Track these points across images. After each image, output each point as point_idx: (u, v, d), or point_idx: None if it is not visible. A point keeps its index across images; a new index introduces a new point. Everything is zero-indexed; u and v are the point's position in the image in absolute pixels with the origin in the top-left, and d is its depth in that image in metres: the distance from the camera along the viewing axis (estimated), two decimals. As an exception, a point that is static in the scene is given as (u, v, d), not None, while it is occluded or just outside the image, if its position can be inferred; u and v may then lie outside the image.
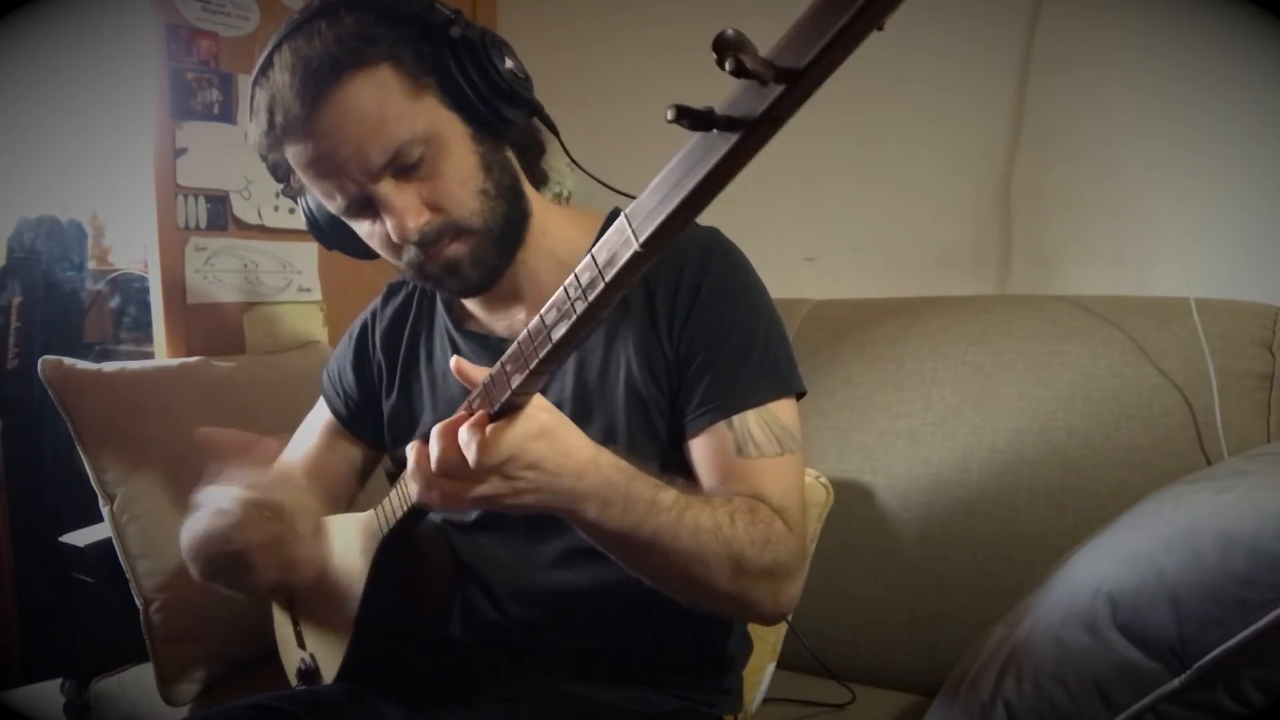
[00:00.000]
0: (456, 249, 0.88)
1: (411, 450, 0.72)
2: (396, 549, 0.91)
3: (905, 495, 1.32)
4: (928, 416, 1.34)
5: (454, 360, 0.70)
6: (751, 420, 0.89)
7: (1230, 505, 0.74)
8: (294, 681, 1.09)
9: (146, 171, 1.61)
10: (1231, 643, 0.66)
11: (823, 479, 1.30)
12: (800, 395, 0.94)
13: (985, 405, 1.31)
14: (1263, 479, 0.79)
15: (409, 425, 1.05)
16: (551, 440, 0.71)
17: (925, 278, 1.64)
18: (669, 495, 0.78)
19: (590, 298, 0.56)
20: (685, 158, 0.50)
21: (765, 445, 0.89)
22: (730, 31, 0.44)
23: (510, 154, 0.93)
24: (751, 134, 0.46)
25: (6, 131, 2.07)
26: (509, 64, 0.87)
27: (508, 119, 0.88)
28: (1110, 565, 0.79)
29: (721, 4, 1.80)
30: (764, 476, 0.87)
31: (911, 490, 1.32)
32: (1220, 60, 1.36)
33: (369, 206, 0.87)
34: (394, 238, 0.86)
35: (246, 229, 1.71)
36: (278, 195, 1.73)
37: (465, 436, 0.67)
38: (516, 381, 0.64)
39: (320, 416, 1.13)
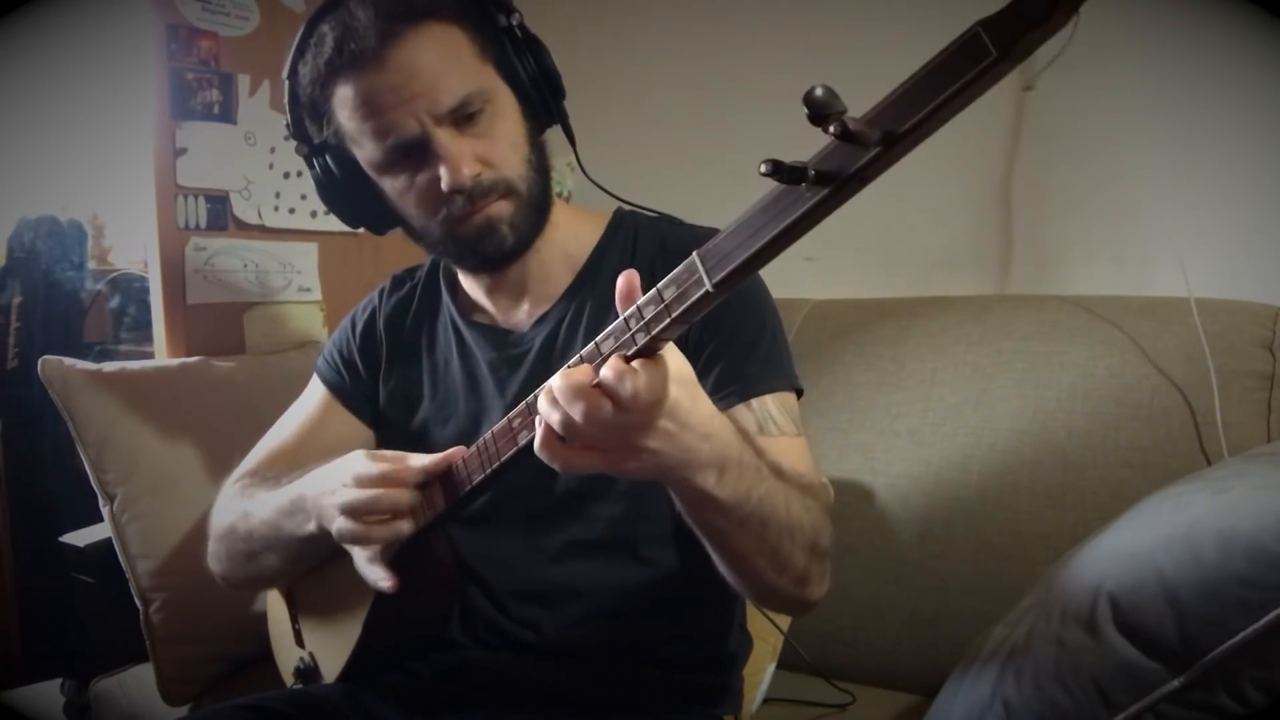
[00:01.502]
0: (500, 207, 0.90)
1: (544, 398, 0.64)
2: (410, 553, 0.91)
3: (905, 495, 1.32)
4: (928, 416, 1.34)
5: (627, 274, 0.62)
6: (769, 402, 0.90)
7: (1230, 505, 0.74)
8: (290, 680, 1.08)
9: (146, 171, 1.61)
10: (1231, 643, 0.66)
11: (823, 479, 1.30)
12: (799, 394, 0.95)
13: (985, 405, 1.31)
14: (1263, 479, 0.79)
15: (406, 412, 1.05)
16: (683, 386, 0.65)
17: (925, 278, 1.64)
18: (764, 461, 0.75)
19: (654, 331, 0.57)
20: (768, 207, 0.50)
21: (785, 425, 0.90)
22: (820, 90, 0.45)
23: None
24: (840, 191, 0.47)
25: (6, 131, 2.07)
26: (554, 64, 0.93)
27: (550, 110, 0.93)
28: (1110, 565, 0.79)
29: (720, 10, 1.81)
30: (790, 454, 0.86)
31: (911, 490, 1.32)
32: (1220, 60, 1.36)
33: (415, 154, 0.88)
34: (445, 184, 0.87)
35: (246, 229, 1.71)
36: (278, 195, 1.74)
37: (613, 376, 0.60)
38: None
39: (312, 398, 1.11)
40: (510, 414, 0.77)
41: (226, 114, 1.67)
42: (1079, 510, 1.20)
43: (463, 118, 0.87)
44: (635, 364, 0.60)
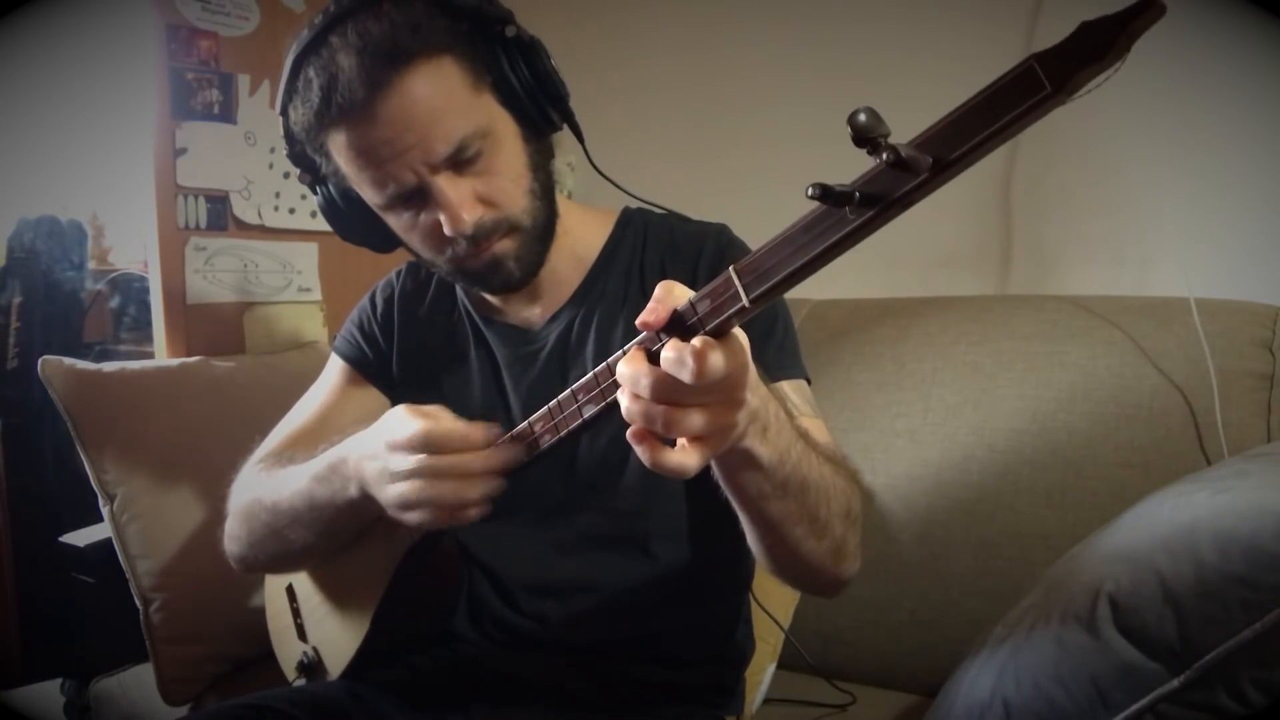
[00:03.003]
0: (504, 245, 0.89)
1: (626, 384, 0.60)
2: (421, 550, 0.91)
3: (905, 495, 1.32)
4: (928, 416, 1.34)
5: (666, 284, 0.60)
6: (786, 387, 0.90)
7: (1230, 505, 0.74)
8: (292, 674, 1.08)
9: (146, 171, 1.61)
10: (1231, 643, 0.66)
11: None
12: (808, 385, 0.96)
13: (985, 405, 1.31)
14: (1263, 479, 0.79)
15: (418, 399, 1.04)
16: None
17: (925, 278, 1.64)
18: (793, 423, 0.73)
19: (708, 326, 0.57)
20: (810, 226, 0.51)
21: (804, 407, 0.90)
22: (863, 115, 0.45)
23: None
24: (884, 213, 0.47)
25: (6, 131, 2.07)
26: (555, 68, 0.89)
27: (553, 121, 0.91)
28: (1110, 565, 0.79)
29: (720, 8, 1.81)
30: (813, 431, 0.84)
31: (911, 490, 1.32)
32: (1220, 60, 1.36)
33: (417, 198, 0.86)
34: (448, 230, 0.85)
35: (246, 229, 1.71)
36: (278, 195, 1.74)
37: (691, 357, 0.55)
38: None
39: (330, 378, 1.09)
40: (532, 418, 0.77)
41: (226, 114, 1.67)
42: (1079, 510, 1.20)
43: (459, 161, 0.84)
44: (708, 341, 0.57)
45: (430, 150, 0.83)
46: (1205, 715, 0.68)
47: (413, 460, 0.76)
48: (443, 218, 0.85)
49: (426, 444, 0.76)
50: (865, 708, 1.22)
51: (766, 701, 1.25)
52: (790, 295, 1.26)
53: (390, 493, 0.78)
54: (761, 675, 1.23)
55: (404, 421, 0.78)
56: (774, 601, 1.20)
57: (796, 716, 1.23)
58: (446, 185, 0.84)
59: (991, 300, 1.45)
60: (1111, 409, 1.23)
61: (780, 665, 1.27)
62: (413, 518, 0.78)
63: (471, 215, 0.85)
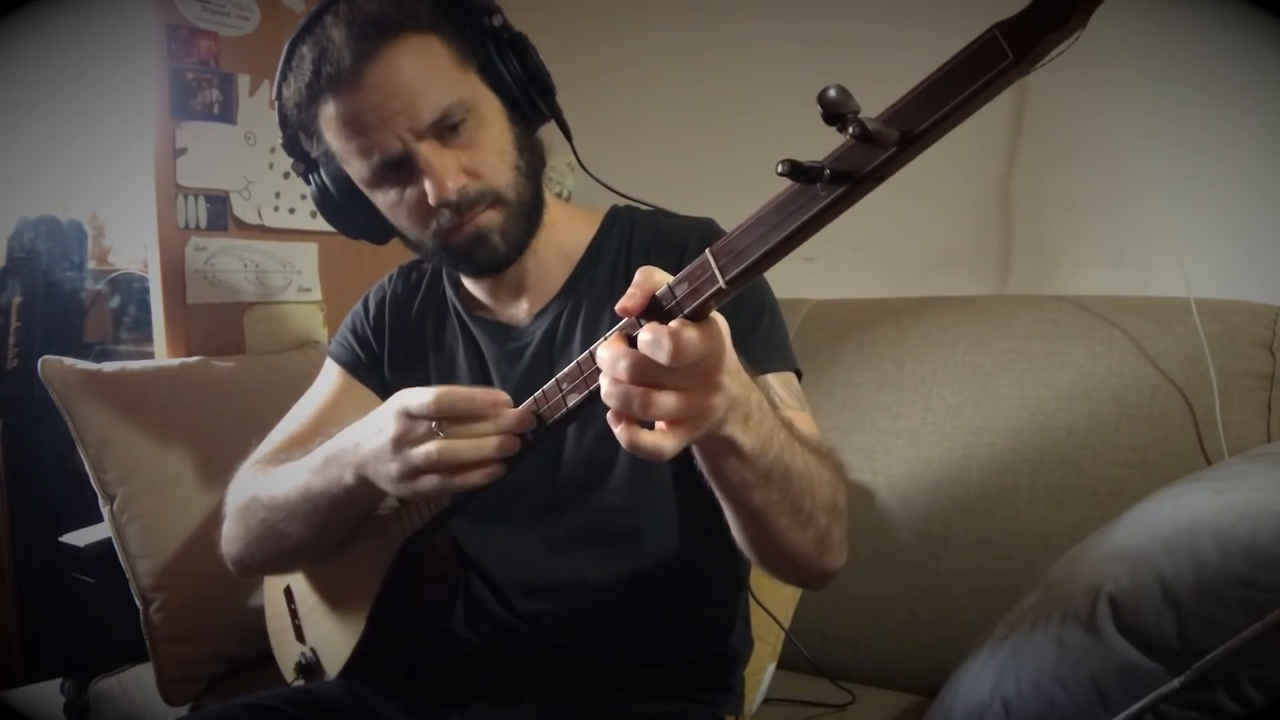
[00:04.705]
0: (489, 217, 0.90)
1: (607, 372, 0.61)
2: (414, 547, 0.91)
3: (905, 495, 1.32)
4: (928, 416, 1.34)
5: (645, 269, 0.60)
6: (772, 379, 0.90)
7: (1230, 505, 0.74)
8: (291, 675, 1.08)
9: (146, 171, 1.61)
10: (1231, 643, 0.66)
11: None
12: (799, 377, 0.95)
13: (985, 405, 1.31)
14: (1262, 479, 0.79)
15: None
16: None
17: (925, 278, 1.64)
18: (778, 413, 0.73)
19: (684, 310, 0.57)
20: (783, 204, 0.51)
21: (790, 400, 0.90)
22: (833, 91, 0.45)
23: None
24: (855, 189, 0.47)
25: (6, 131, 2.07)
26: (541, 63, 0.91)
27: (540, 111, 0.92)
28: (1110, 565, 0.79)
29: (718, 8, 1.81)
30: (798, 423, 0.83)
31: (911, 490, 1.32)
32: (1220, 60, 1.36)
33: (402, 169, 0.88)
34: (431, 199, 0.86)
35: (246, 229, 1.71)
36: (278, 195, 1.74)
37: (667, 338, 0.56)
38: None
39: (326, 382, 1.10)
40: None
41: (226, 114, 1.68)
42: (1079, 510, 1.20)
43: (445, 130, 0.86)
44: (684, 322, 0.57)
45: (415, 117, 0.85)
46: (1205, 715, 0.68)
47: (430, 423, 0.76)
48: (427, 185, 0.86)
49: (444, 406, 0.76)
50: (865, 708, 1.22)
51: (766, 701, 1.25)
52: (790, 295, 1.27)
53: (397, 465, 0.78)
54: (761, 674, 1.23)
55: (415, 393, 0.77)
56: (774, 600, 1.20)
57: (796, 716, 1.23)
58: (430, 153, 0.86)
59: (991, 300, 1.45)
60: (1111, 409, 1.23)
61: (780, 665, 1.27)
62: (424, 484, 0.77)
63: (455, 182, 0.86)
